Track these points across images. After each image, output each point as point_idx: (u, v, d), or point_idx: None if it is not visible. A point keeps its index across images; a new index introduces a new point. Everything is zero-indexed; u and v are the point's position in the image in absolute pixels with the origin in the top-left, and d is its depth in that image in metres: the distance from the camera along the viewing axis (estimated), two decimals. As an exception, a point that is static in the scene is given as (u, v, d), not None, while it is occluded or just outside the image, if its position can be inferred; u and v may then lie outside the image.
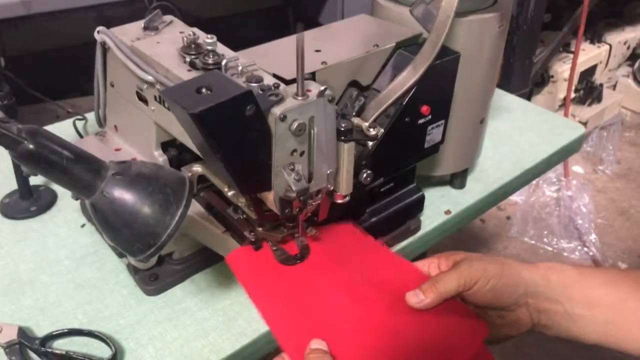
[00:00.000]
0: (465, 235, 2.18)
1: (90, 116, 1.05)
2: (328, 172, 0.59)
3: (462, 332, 0.62)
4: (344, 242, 0.73)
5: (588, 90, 2.62)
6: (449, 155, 0.91)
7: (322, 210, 0.67)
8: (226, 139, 0.50)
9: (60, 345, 0.71)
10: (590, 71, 2.66)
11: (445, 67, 0.73)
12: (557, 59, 2.54)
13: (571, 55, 2.55)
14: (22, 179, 0.91)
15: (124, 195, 0.51)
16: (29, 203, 0.92)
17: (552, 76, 2.52)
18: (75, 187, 0.53)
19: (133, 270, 0.79)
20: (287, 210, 0.58)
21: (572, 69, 2.28)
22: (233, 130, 0.49)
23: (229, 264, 0.68)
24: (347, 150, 0.60)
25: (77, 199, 0.87)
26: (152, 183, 0.52)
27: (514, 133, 1.14)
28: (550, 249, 2.12)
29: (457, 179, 0.98)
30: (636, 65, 2.89)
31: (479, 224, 2.26)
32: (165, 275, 0.79)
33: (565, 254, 2.10)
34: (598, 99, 2.65)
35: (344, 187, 0.62)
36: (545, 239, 2.14)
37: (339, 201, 0.65)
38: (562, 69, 2.50)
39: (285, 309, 0.62)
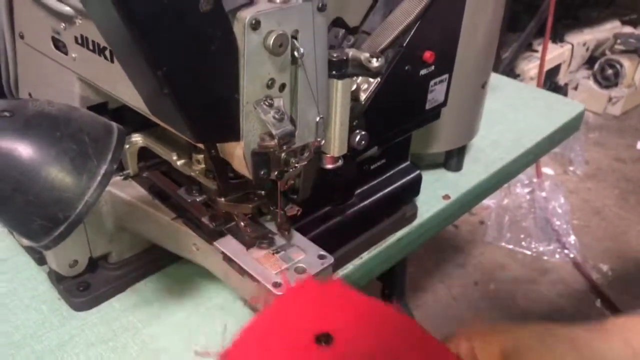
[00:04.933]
0: (439, 242, 2.04)
1: None
2: (317, 119, 0.43)
3: None
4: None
5: (553, 89, 2.56)
6: (447, 127, 0.76)
7: (304, 183, 0.50)
8: (172, 49, 0.33)
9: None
10: (554, 71, 2.61)
11: (451, 1, 0.58)
12: (522, 58, 2.48)
13: (536, 54, 2.49)
14: None
15: (14, 143, 0.33)
16: None
17: (519, 75, 2.45)
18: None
19: (56, 279, 0.61)
20: (262, 172, 0.41)
21: (541, 66, 2.21)
22: (180, 33, 0.33)
23: None
24: (342, 90, 0.44)
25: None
26: (61, 127, 0.35)
27: (508, 111, 1.01)
28: (529, 252, 2.00)
29: (453, 160, 0.83)
30: (596, 66, 2.86)
31: (452, 230, 2.13)
32: (99, 284, 0.61)
33: (545, 257, 1.98)
34: (563, 99, 2.60)
35: (337, 145, 0.46)
36: (523, 243, 2.03)
37: (329, 166, 0.48)
38: (528, 67, 2.44)
39: None
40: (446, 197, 0.79)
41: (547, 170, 2.44)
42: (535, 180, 2.24)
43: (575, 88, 2.86)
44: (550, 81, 2.60)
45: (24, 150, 0.33)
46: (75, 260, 0.58)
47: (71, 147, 0.34)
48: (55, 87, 0.57)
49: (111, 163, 0.35)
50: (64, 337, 0.57)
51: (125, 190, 0.59)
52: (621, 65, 2.74)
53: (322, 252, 0.51)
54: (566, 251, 1.99)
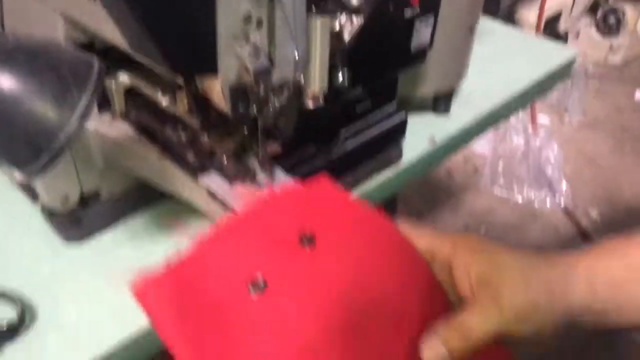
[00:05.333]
0: (432, 188, 2.07)
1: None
2: (296, 56, 0.44)
3: None
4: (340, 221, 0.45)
5: (553, 37, 2.52)
6: (434, 69, 0.77)
7: (286, 121, 0.51)
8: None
9: (-50, 308, 0.54)
10: (555, 18, 2.56)
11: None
12: (522, 3, 2.44)
13: (536, 1, 2.44)
14: None
15: (-4, 75, 0.34)
16: None
17: (518, 21, 2.41)
18: None
19: (49, 214, 0.63)
20: (240, 107, 0.43)
21: (541, 12, 2.17)
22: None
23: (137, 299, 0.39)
24: (321, 28, 0.44)
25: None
26: (40, 60, 0.36)
27: (499, 57, 1.00)
28: (520, 199, 2.03)
29: (441, 102, 0.84)
30: (598, 14, 2.81)
31: (445, 176, 2.15)
32: (91, 219, 0.63)
33: (536, 204, 2.01)
34: (563, 47, 2.57)
35: (317, 82, 0.47)
36: (515, 190, 2.06)
37: (310, 105, 0.49)
38: (528, 13, 2.40)
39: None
40: (432, 139, 0.80)
41: (543, 119, 2.44)
42: (530, 129, 2.24)
43: (577, 36, 2.82)
44: (551, 29, 2.56)
45: (4, 81, 0.34)
46: (66, 195, 0.60)
47: (51, 79, 0.35)
48: (39, 28, 0.58)
49: (91, 96, 0.36)
50: (57, 267, 0.59)
51: (113, 128, 0.60)
52: (624, 14, 2.70)
53: (303, 189, 0.53)
54: (557, 198, 2.01)
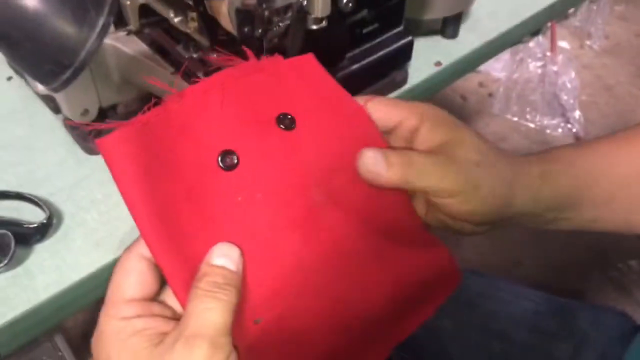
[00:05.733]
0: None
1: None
2: (299, -21, 0.46)
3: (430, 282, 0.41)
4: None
5: (581, -43, 2.42)
6: (442, -8, 0.77)
7: (292, 43, 0.54)
8: None
9: (-16, 210, 0.60)
10: (584, -64, 2.45)
11: None
12: None
13: None
14: None
15: (21, -4, 0.37)
16: (-57, 52, 0.77)
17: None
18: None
19: (70, 127, 0.67)
20: (246, 29, 0.45)
21: None
22: None
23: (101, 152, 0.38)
24: (324, -49, 0.46)
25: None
26: (61, -19, 0.38)
27: (512, -20, 0.99)
28: (532, 125, 2.04)
29: (450, 26, 0.85)
30: None
31: (459, 101, 2.16)
32: (109, 131, 0.67)
33: (547, 130, 2.02)
34: (589, -32, 2.47)
35: (320, 5, 0.49)
36: (527, 116, 2.06)
37: (314, 27, 0.52)
38: None
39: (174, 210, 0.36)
40: (438, 63, 0.82)
41: (563, 43, 2.39)
42: (549, 54, 2.21)
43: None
44: (579, -52, 2.45)
45: (29, 2, 0.38)
46: (86, 109, 0.64)
47: (71, 0, 0.38)
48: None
49: (108, 15, 0.39)
50: (80, 176, 0.64)
51: (128, 45, 0.63)
52: None
53: (306, 108, 0.56)
54: (569, 125, 2.02)
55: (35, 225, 0.56)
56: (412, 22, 0.80)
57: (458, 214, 0.42)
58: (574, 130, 2.01)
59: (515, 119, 2.06)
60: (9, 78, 0.76)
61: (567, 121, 2.03)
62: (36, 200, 0.60)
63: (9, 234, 0.53)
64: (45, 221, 0.57)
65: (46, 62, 0.39)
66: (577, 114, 2.04)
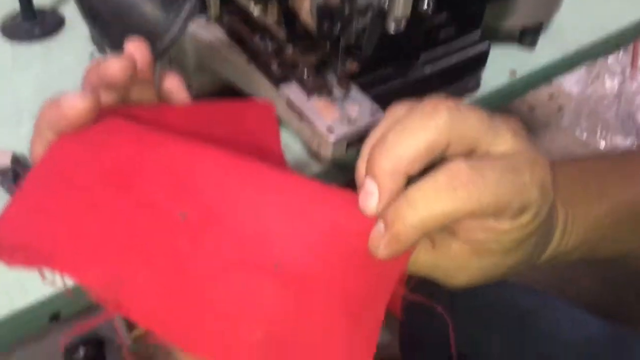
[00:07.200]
0: (511, 122, 2.02)
1: None
2: (383, -21, 0.46)
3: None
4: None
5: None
6: (524, 0, 0.75)
7: (367, 41, 0.54)
8: None
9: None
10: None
11: None
12: None
13: None
14: (25, -1, 0.79)
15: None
16: (32, 25, 0.81)
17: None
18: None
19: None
20: (325, 25, 0.46)
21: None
22: None
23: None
24: (410, -47, 0.46)
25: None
26: (153, -33, 0.40)
27: (598, -7, 0.96)
28: (603, 143, 1.96)
29: (528, 35, 0.82)
30: None
31: (526, 111, 2.10)
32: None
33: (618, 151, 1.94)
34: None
35: (400, 6, 0.49)
36: (598, 134, 1.98)
37: (391, 28, 0.51)
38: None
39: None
40: (513, 72, 0.80)
41: (644, 61, 2.29)
42: (628, 70, 2.12)
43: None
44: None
45: (123, -15, 0.39)
46: (161, 90, 0.66)
47: (161, -15, 0.39)
48: None
49: (193, 6, 0.40)
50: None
51: (207, 31, 0.64)
52: None
53: (376, 107, 0.56)
54: (643, 148, 1.93)
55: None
56: (490, 27, 0.79)
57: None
58: (647, 152, 1.91)
59: (585, 135, 1.99)
60: (91, 54, 0.79)
61: (641, 143, 1.94)
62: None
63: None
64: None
65: (132, 44, 0.41)
66: (652, 136, 1.95)
